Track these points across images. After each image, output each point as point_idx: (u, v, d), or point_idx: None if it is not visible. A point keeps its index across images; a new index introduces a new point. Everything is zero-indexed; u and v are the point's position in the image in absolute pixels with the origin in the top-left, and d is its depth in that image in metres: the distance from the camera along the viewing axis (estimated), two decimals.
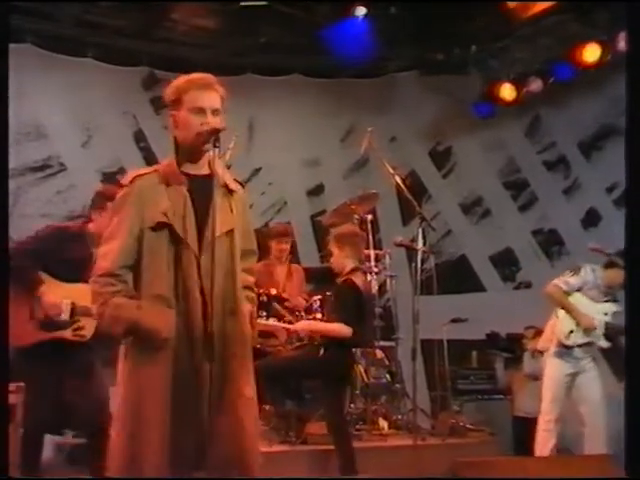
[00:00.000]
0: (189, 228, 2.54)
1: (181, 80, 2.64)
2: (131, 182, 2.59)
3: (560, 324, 4.79)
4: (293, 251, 6.02)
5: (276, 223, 6.75)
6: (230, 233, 2.62)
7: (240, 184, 2.76)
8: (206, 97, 2.60)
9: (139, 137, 7.40)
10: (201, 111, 2.58)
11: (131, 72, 7.31)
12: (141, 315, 2.48)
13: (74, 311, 3.73)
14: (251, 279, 2.80)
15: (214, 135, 2.54)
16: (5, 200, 2.71)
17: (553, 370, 4.79)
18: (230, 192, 2.66)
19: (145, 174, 2.62)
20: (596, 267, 4.79)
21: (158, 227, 2.53)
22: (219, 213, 2.50)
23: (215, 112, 2.61)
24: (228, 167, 5.19)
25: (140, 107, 7.39)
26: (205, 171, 2.64)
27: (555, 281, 4.78)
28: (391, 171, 5.16)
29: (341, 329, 4.20)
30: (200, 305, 2.50)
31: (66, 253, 3.73)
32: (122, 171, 7.12)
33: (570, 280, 4.75)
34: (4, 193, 2.71)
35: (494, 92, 7.59)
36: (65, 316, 3.71)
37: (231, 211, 2.64)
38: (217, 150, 2.55)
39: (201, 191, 2.58)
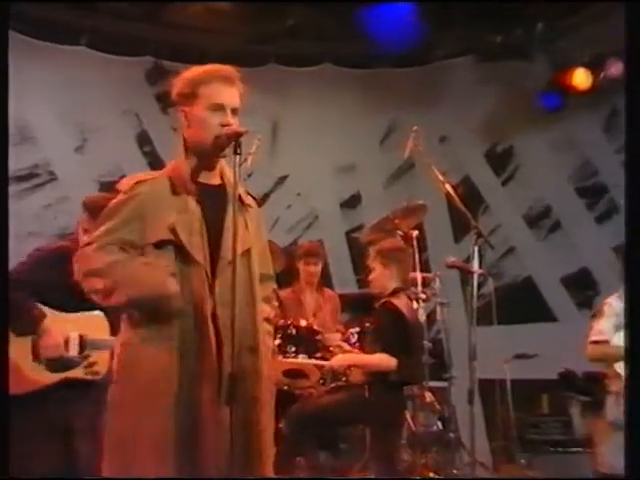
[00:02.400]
0: (201, 247, 2.58)
1: (197, 71, 2.69)
2: (131, 189, 2.62)
3: None
4: (325, 274, 6.12)
5: (305, 241, 6.85)
6: (247, 254, 2.68)
7: (253, 198, 2.84)
8: (227, 93, 2.65)
9: (143, 140, 7.54)
10: (221, 109, 2.63)
11: (133, 63, 7.44)
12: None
13: (83, 345, 3.83)
14: (269, 309, 2.86)
15: (235, 139, 2.57)
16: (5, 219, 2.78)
17: None
18: (244, 206, 2.72)
19: (148, 180, 2.65)
20: (620, 292, 4.51)
21: (162, 244, 2.56)
22: (235, 229, 2.50)
23: (234, 112, 2.67)
24: (248, 175, 5.35)
25: (144, 105, 7.54)
26: (216, 180, 2.72)
27: (590, 339, 4.58)
28: (440, 178, 5.21)
29: (383, 360, 4.30)
30: (214, 340, 2.52)
31: (65, 278, 3.80)
32: None
33: (602, 326, 4.52)
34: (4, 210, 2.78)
35: (564, 79, 7.53)
36: (74, 352, 3.80)
37: (246, 228, 2.69)
38: (238, 157, 2.57)
39: (212, 204, 2.65)
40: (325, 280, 6.13)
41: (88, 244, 2.62)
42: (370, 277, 4.66)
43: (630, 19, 2.96)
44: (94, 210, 3.74)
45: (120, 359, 2.62)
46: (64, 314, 3.82)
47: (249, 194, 2.83)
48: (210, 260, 2.59)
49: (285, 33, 7.40)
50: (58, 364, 3.78)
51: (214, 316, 2.55)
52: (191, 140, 2.68)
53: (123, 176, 7.55)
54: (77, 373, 3.81)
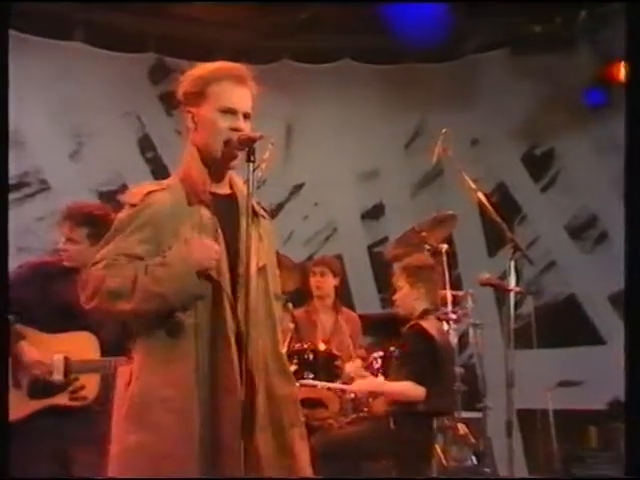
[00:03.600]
0: (221, 264, 2.59)
1: (206, 68, 2.72)
2: (142, 200, 2.61)
3: None
4: (346, 293, 6.17)
5: (323, 256, 6.80)
6: (263, 270, 2.72)
7: (264, 209, 2.85)
8: (239, 94, 2.68)
9: (145, 145, 7.60)
10: (231, 112, 2.65)
11: (134, 60, 7.51)
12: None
13: (69, 368, 3.81)
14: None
15: (249, 145, 2.59)
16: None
17: None
18: (257, 218, 2.73)
19: (159, 190, 2.66)
20: None
21: None
22: (250, 243, 2.53)
23: (247, 116, 2.69)
24: (261, 184, 5.37)
25: (146, 106, 7.60)
26: (226, 189, 2.74)
27: None
28: (472, 185, 5.19)
29: (410, 389, 4.31)
30: (237, 366, 2.54)
31: (51, 296, 3.84)
32: (124, 189, 7.26)
33: None
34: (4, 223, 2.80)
35: (610, 73, 7.48)
36: (59, 376, 3.79)
37: (260, 241, 2.72)
38: (252, 165, 2.59)
39: (225, 215, 2.67)
40: (345, 299, 6.16)
41: (96, 263, 2.58)
42: (395, 297, 4.68)
43: (630, 19, 3.06)
44: (79, 218, 3.81)
45: (133, 391, 2.60)
46: (48, 334, 3.84)
47: (260, 205, 2.84)
48: (230, 277, 2.61)
49: (300, 26, 7.44)
50: (40, 390, 3.79)
51: (238, 336, 2.56)
52: (198, 145, 2.69)
53: (123, 185, 7.64)
54: (62, 399, 3.81)
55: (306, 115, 7.89)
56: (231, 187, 2.76)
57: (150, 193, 2.63)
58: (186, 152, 2.74)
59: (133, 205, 2.62)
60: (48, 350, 3.81)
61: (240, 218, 2.66)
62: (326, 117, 7.92)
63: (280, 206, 7.69)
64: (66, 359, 3.82)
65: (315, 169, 7.90)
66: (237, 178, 2.77)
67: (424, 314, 4.52)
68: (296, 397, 2.75)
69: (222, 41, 7.22)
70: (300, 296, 5.91)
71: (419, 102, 7.94)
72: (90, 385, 3.82)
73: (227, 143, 2.64)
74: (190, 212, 2.63)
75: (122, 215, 2.65)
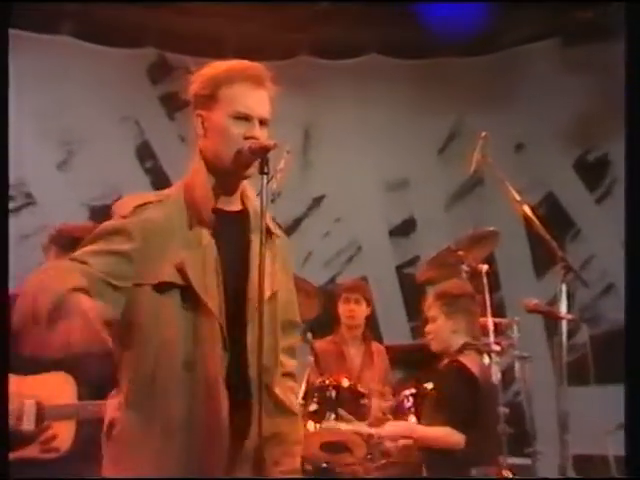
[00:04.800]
0: (216, 291, 2.60)
1: (219, 68, 2.72)
2: (131, 213, 2.62)
3: None
4: (371, 321, 6.10)
5: (355, 281, 6.72)
6: (273, 298, 2.72)
7: (279, 226, 2.86)
8: (255, 98, 2.68)
9: (144, 153, 7.62)
10: (246, 118, 2.65)
11: (131, 56, 7.53)
12: None
13: (41, 415, 3.77)
14: (292, 363, 2.90)
15: (262, 155, 2.59)
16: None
17: None
18: (270, 237, 2.74)
19: (153, 202, 2.66)
20: None
21: (164, 288, 2.58)
22: (262, 267, 2.52)
23: (263, 123, 2.69)
24: (276, 196, 5.35)
25: (145, 109, 7.64)
26: (236, 206, 2.74)
27: None
28: (516, 196, 5.17)
29: (447, 435, 4.29)
30: (227, 402, 2.57)
31: None
32: None
33: None
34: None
35: None
36: (29, 424, 3.75)
37: (273, 265, 2.72)
38: (265, 177, 2.58)
39: (231, 236, 2.69)
40: (372, 329, 6.14)
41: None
42: (428, 328, 4.65)
43: (630, 19, 3.16)
44: (68, 243, 3.77)
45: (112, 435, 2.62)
46: (18, 376, 3.74)
47: (275, 221, 2.85)
48: (226, 308, 2.62)
49: (319, 17, 7.42)
50: (6, 442, 3.76)
51: (228, 377, 2.58)
52: (208, 154, 2.69)
53: (119, 199, 7.67)
54: (32, 451, 3.77)
55: (326, 118, 7.89)
56: (243, 202, 2.76)
57: (141, 206, 2.63)
58: (193, 161, 2.74)
59: (122, 216, 2.63)
60: (19, 394, 3.75)
61: (250, 239, 2.68)
62: (349, 120, 7.92)
63: (297, 222, 7.72)
64: (38, 405, 3.79)
65: (336, 179, 7.90)
66: (251, 192, 2.76)
67: (463, 349, 4.49)
68: (291, 438, 2.76)
69: (230, 35, 7.22)
70: (322, 326, 5.91)
71: (454, 101, 7.93)
72: (64, 434, 3.79)
73: (239, 153, 2.63)
74: (187, 231, 2.63)
75: (108, 223, 2.65)
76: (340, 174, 7.88)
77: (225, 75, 2.69)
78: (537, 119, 7.97)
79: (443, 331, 4.56)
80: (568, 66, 7.95)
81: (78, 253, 2.58)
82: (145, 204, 2.64)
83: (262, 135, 2.66)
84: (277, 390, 2.72)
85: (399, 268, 7.87)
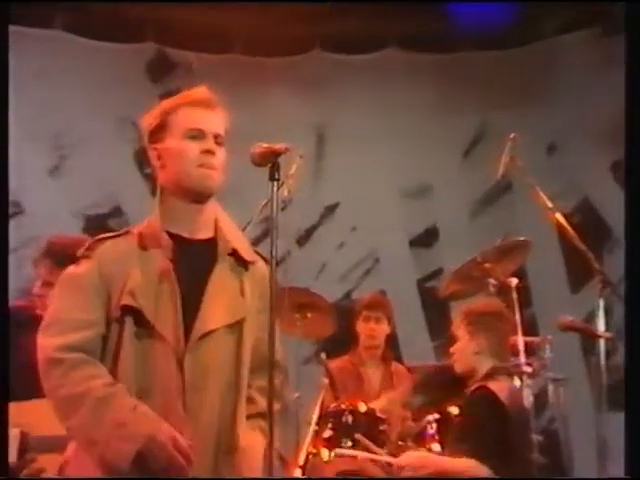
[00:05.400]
0: (168, 315, 2.76)
1: (167, 101, 2.95)
2: (88, 249, 2.82)
3: None
4: (391, 339, 6.08)
5: (375, 296, 6.58)
6: (237, 326, 2.85)
7: (262, 257, 2.99)
8: (205, 117, 2.88)
9: (143, 158, 7.56)
10: (200, 134, 2.85)
11: (129, 52, 7.54)
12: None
13: (26, 446, 3.78)
14: (264, 404, 2.86)
15: (271, 160, 2.72)
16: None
17: None
18: (244, 265, 2.92)
19: (110, 238, 2.87)
20: None
21: (124, 314, 2.75)
22: (222, 295, 2.78)
23: (218, 139, 2.87)
24: (287, 203, 5.32)
25: (145, 109, 7.57)
26: (206, 233, 2.91)
27: None
28: (549, 203, 5.16)
29: (472, 468, 4.20)
30: (178, 437, 2.65)
31: (13, 352, 3.73)
32: (118, 213, 7.25)
33: None
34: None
35: None
36: (11, 456, 3.72)
37: (241, 294, 2.88)
38: (276, 184, 2.72)
39: (195, 263, 2.84)
40: (392, 349, 6.15)
41: (43, 348, 2.74)
42: (453, 349, 4.60)
43: (630, 19, 3.13)
44: (61, 257, 3.74)
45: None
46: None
47: (257, 252, 3.01)
48: (184, 332, 2.76)
49: (333, 8, 7.39)
50: None
51: (183, 403, 2.72)
52: (169, 183, 2.88)
53: (116, 208, 7.62)
54: None
55: (341, 119, 7.85)
56: (215, 231, 2.92)
57: (97, 241, 2.85)
58: (153, 200, 2.94)
59: (82, 257, 2.83)
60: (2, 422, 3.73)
61: (215, 266, 2.85)
62: (365, 121, 7.89)
63: (310, 232, 7.72)
64: (23, 434, 3.79)
65: (352, 186, 7.89)
66: (225, 222, 2.94)
67: (491, 373, 4.42)
68: None
69: (237, 29, 7.18)
70: (338, 344, 5.96)
71: (480, 99, 7.93)
72: (52, 466, 3.70)
73: (202, 168, 2.82)
74: (142, 258, 2.81)
75: (66, 272, 2.86)
76: (356, 179, 7.87)
77: (172, 104, 2.92)
78: (571, 118, 7.94)
79: (466, 352, 4.51)
80: (606, 59, 7.77)
81: (50, 322, 2.78)
82: (100, 241, 2.86)
83: (220, 151, 2.85)
84: (239, 432, 2.81)
85: (420, 282, 7.85)
